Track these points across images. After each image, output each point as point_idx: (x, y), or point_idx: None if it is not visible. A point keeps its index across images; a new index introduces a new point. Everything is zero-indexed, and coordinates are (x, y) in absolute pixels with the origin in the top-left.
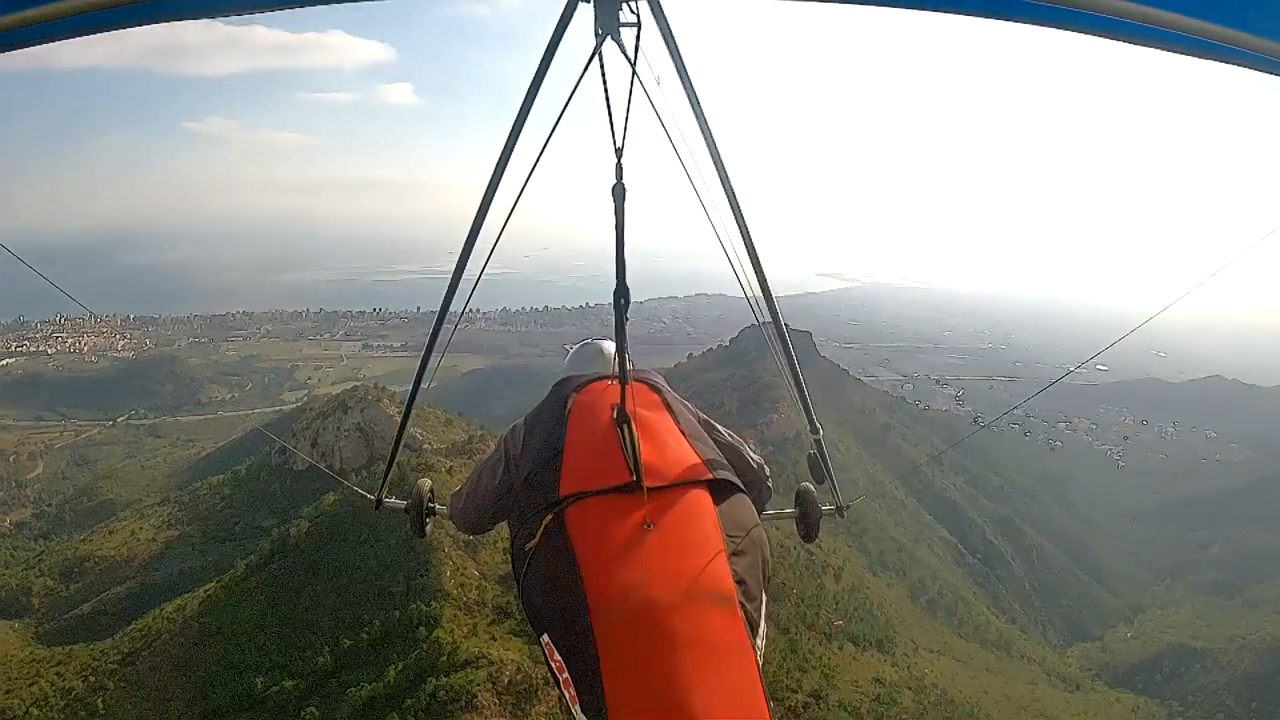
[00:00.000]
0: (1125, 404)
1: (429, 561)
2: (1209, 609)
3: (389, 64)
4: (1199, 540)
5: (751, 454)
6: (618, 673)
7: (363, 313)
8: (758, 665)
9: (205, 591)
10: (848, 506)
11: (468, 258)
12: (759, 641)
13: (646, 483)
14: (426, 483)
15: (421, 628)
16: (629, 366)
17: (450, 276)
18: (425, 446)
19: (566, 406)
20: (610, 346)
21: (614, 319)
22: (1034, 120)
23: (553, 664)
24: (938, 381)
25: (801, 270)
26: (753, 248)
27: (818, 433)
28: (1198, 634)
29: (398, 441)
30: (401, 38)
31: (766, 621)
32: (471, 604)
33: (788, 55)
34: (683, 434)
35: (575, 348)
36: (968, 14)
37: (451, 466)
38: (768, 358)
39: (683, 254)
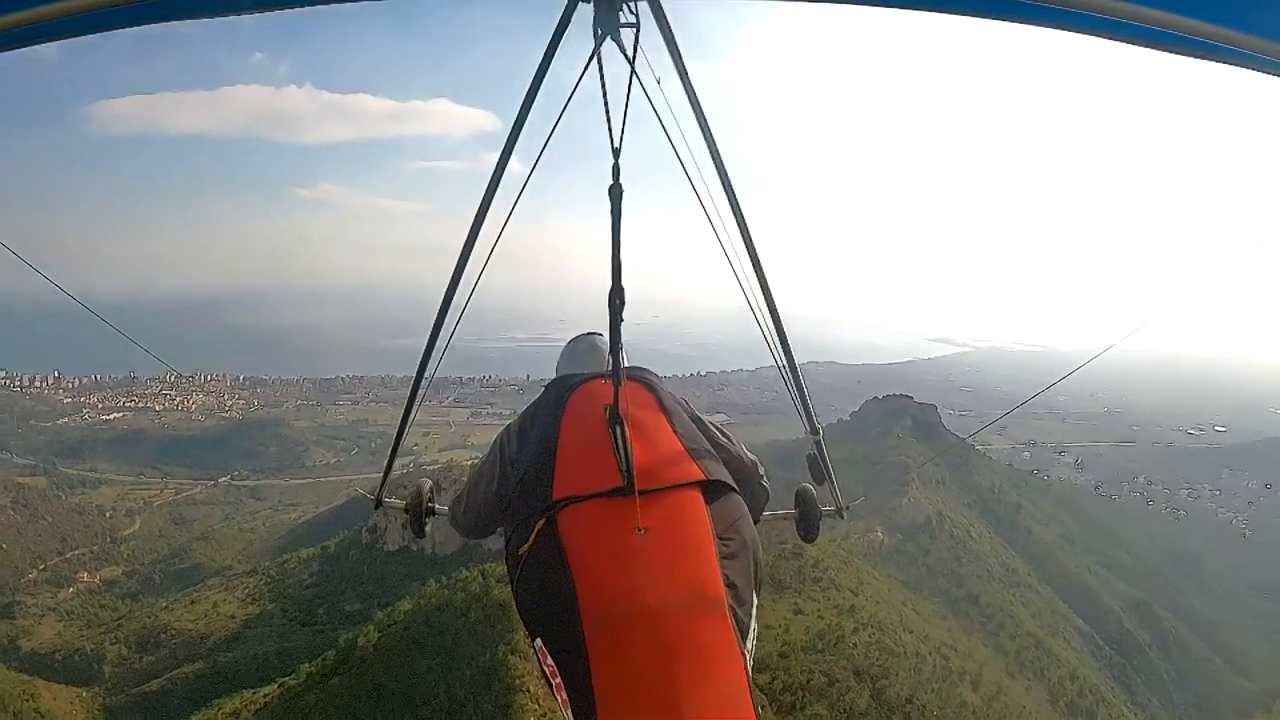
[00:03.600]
0: (1247, 468)
1: (509, 705)
2: None
3: (495, 132)
4: None
5: (746, 452)
6: (608, 678)
7: (472, 379)
8: (746, 670)
9: (264, 697)
10: (848, 508)
11: (467, 259)
12: (749, 645)
13: (639, 485)
14: (426, 482)
15: None
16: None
17: (452, 273)
18: None
19: (561, 407)
20: (604, 342)
21: (609, 320)
22: (1146, 160)
23: (545, 668)
24: (1056, 450)
25: (911, 335)
26: (753, 247)
27: (817, 433)
28: None
29: (397, 442)
30: (506, 107)
31: (757, 623)
32: None
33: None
34: (676, 435)
35: (568, 344)
36: (966, 14)
37: None
38: (894, 433)
39: (796, 317)
